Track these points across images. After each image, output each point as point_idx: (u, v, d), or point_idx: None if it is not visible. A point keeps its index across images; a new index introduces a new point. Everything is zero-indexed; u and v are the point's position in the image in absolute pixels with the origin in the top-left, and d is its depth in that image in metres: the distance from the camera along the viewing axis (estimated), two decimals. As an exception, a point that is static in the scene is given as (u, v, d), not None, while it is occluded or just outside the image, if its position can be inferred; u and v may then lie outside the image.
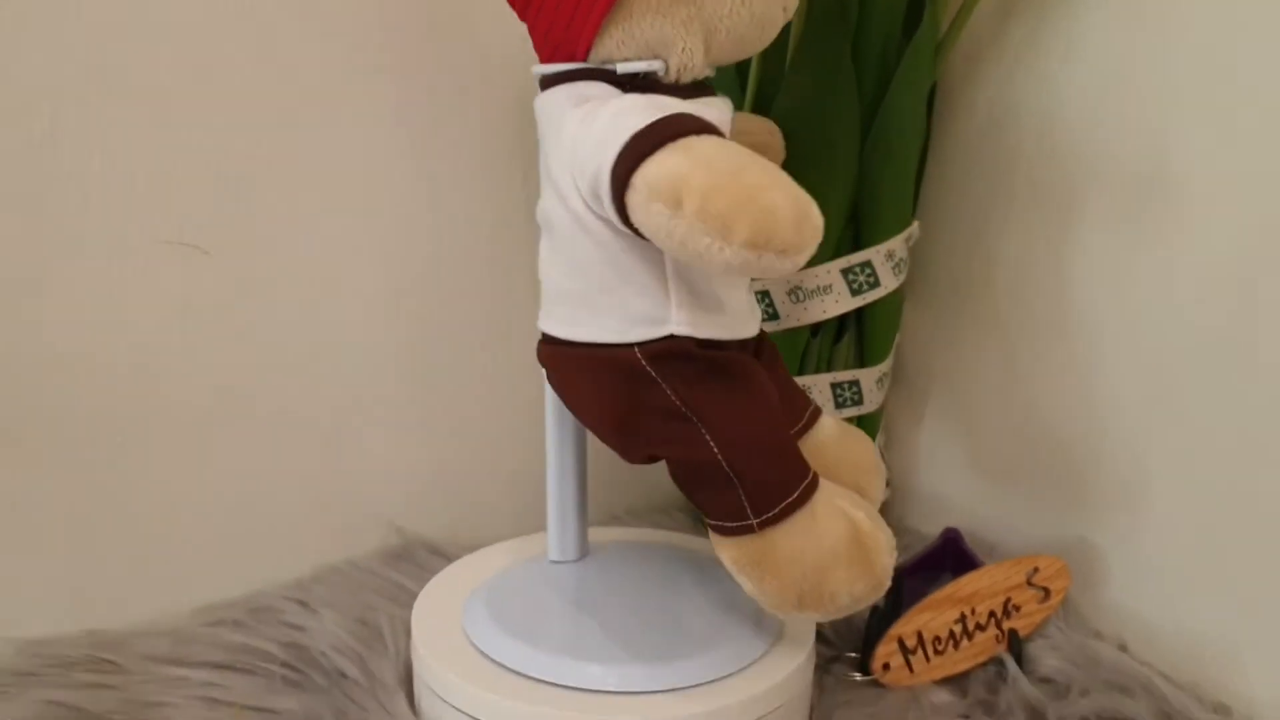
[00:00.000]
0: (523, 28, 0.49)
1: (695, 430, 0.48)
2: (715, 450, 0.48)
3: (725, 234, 0.39)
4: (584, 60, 0.48)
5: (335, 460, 0.69)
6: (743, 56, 0.50)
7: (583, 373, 0.50)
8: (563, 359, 0.51)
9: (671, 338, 0.48)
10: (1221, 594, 0.61)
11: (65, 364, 0.59)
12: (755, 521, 0.47)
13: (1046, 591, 0.63)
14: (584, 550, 0.61)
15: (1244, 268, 0.57)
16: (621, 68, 0.47)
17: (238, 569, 0.66)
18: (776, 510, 0.47)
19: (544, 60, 0.49)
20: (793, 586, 0.47)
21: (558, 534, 0.60)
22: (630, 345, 0.48)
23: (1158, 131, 0.60)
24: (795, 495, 0.48)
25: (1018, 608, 0.63)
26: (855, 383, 0.71)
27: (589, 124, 0.45)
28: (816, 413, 0.57)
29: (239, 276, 0.63)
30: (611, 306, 0.48)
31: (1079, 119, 0.64)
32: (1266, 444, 0.57)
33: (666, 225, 0.41)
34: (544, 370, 0.53)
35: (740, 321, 0.51)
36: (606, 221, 0.46)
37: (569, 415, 0.55)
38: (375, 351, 0.69)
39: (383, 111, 0.66)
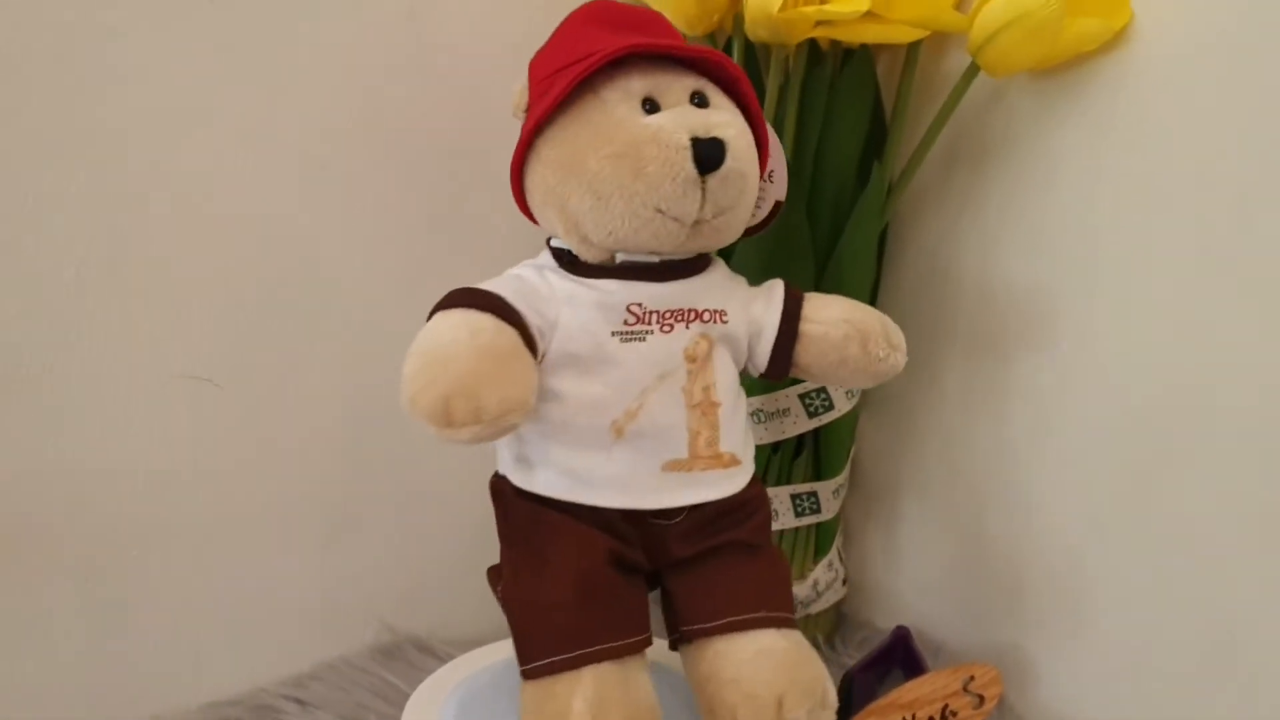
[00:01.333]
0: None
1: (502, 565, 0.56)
2: (500, 591, 0.55)
3: (401, 392, 0.47)
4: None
5: (329, 562, 0.75)
6: (651, 249, 0.52)
7: None
8: None
9: (503, 478, 0.55)
10: (1139, 703, 0.66)
11: (85, 483, 0.64)
12: (521, 668, 0.52)
13: (981, 698, 0.69)
14: None
15: (1158, 404, 0.63)
16: (552, 243, 0.55)
17: (240, 666, 0.72)
18: (525, 668, 0.52)
19: None
20: None
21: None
22: (496, 473, 0.57)
23: (1080, 280, 0.66)
24: (540, 664, 0.51)
25: (955, 713, 0.68)
26: (814, 494, 0.77)
27: None
28: (755, 624, 0.54)
29: (244, 406, 0.69)
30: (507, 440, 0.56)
31: (1011, 263, 0.70)
32: (1176, 563, 0.63)
33: None
34: None
35: (596, 490, 0.53)
36: None
37: None
38: (366, 463, 0.75)
39: (395, 259, 0.73)
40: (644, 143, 0.49)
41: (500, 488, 0.55)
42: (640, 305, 0.53)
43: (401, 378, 0.47)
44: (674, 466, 0.54)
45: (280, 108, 0.66)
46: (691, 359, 0.53)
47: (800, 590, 0.78)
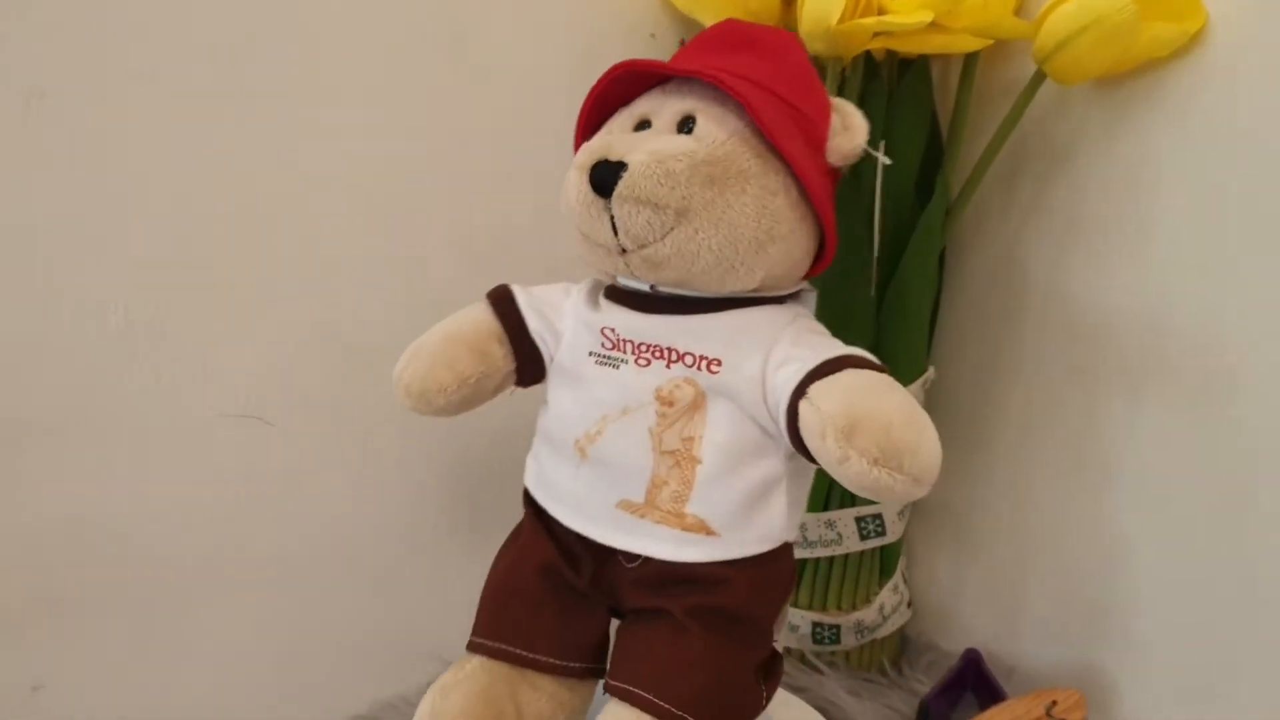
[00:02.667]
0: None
1: None
2: None
3: None
4: None
5: (386, 600, 0.74)
6: (610, 274, 0.54)
7: None
8: None
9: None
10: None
11: (137, 528, 0.63)
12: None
13: (1065, 724, 0.67)
14: None
15: (1241, 421, 0.61)
16: None
17: (298, 708, 0.70)
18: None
19: None
20: None
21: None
22: None
23: (1156, 293, 0.64)
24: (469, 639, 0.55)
25: (1038, 741, 0.66)
26: (879, 516, 0.75)
27: None
28: (639, 702, 0.49)
29: (296, 444, 0.67)
30: None
31: (1081, 277, 0.68)
32: (1264, 579, 0.61)
33: None
34: None
35: (556, 502, 0.54)
36: None
37: None
38: (421, 498, 0.74)
39: (443, 291, 0.70)
40: (573, 165, 0.49)
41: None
42: (614, 331, 0.52)
43: None
44: (626, 507, 0.51)
45: (326, 144, 0.65)
46: (666, 402, 0.50)
47: (867, 615, 0.76)
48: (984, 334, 0.76)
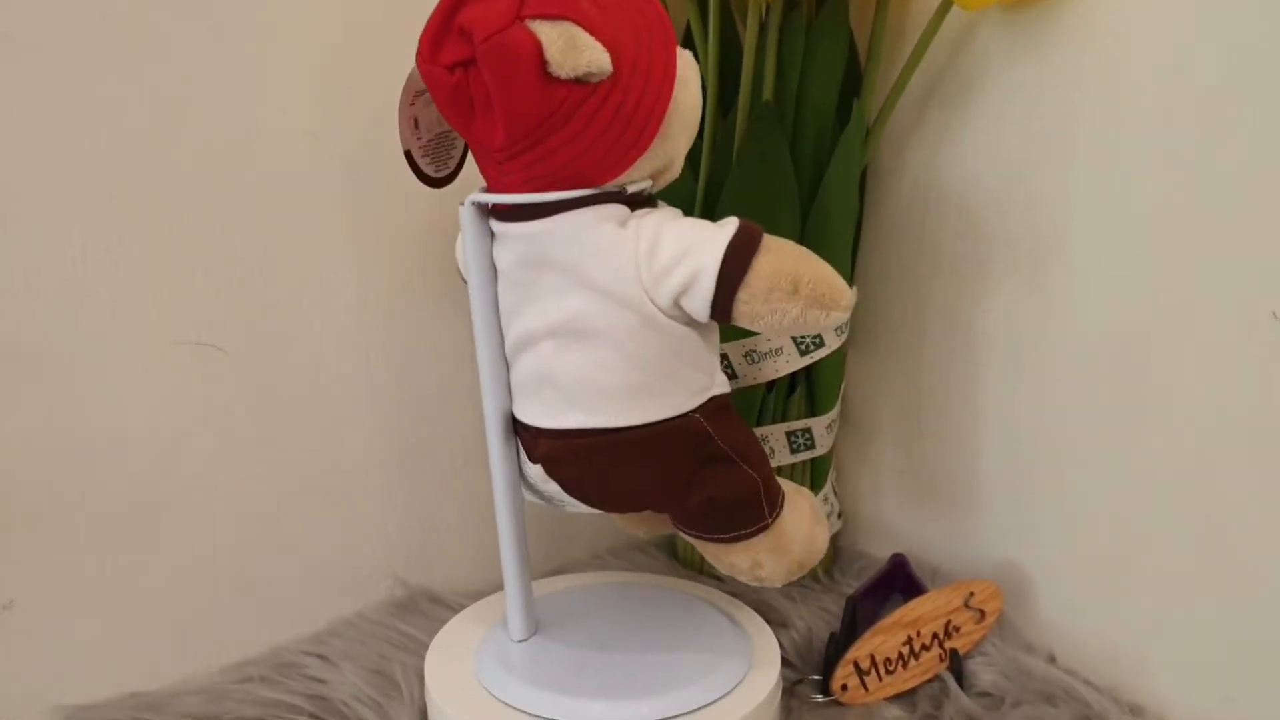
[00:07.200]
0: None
1: (739, 468, 0.58)
2: (756, 478, 0.59)
3: (833, 304, 0.54)
4: (600, 186, 0.54)
5: (341, 522, 0.76)
6: None
7: (639, 451, 0.57)
8: (610, 445, 0.56)
9: (713, 398, 0.58)
10: (1133, 606, 0.69)
11: (96, 453, 0.65)
12: (770, 519, 0.60)
13: (982, 613, 0.72)
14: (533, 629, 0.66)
15: (1139, 319, 0.66)
16: (631, 188, 0.55)
17: (259, 627, 0.73)
18: (780, 503, 0.61)
19: (535, 189, 0.53)
20: (797, 554, 0.61)
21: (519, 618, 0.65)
22: (689, 413, 0.57)
23: (1058, 209, 0.69)
24: (783, 490, 0.62)
25: (957, 628, 0.71)
26: (808, 430, 0.79)
27: (658, 238, 0.53)
28: None
29: (251, 370, 0.70)
30: (671, 387, 0.56)
31: (989, 197, 0.73)
32: (1164, 471, 0.66)
33: (784, 307, 0.53)
34: (548, 465, 0.58)
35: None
36: (681, 315, 0.55)
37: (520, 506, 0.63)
38: (375, 422, 0.76)
39: (396, 216, 0.73)
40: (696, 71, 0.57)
41: (718, 406, 0.59)
42: None
43: (821, 280, 0.54)
44: None
45: (273, 71, 0.67)
46: None
47: (800, 525, 0.80)
48: (903, 254, 0.80)
